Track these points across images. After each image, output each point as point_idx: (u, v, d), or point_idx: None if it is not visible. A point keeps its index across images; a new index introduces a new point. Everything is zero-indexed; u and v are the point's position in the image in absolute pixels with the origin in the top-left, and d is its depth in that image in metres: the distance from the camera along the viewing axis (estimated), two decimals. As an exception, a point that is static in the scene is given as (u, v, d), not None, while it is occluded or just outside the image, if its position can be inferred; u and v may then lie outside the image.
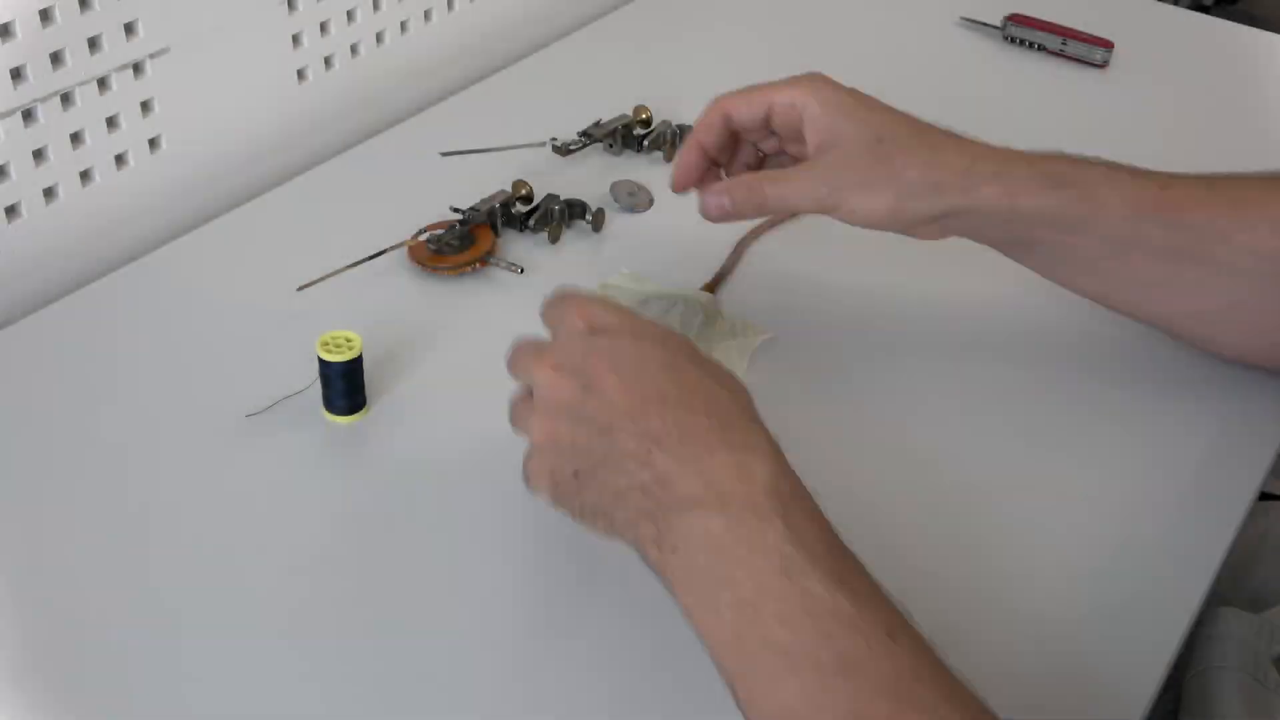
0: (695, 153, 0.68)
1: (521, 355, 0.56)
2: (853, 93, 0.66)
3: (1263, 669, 0.66)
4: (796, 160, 0.69)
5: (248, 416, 0.66)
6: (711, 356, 0.54)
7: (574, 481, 0.51)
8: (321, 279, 0.73)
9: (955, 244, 0.66)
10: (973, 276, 0.75)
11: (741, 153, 0.71)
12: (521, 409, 0.55)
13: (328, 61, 0.91)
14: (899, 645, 0.42)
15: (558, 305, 0.56)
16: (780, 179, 0.65)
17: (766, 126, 0.67)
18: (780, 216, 0.80)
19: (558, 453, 0.51)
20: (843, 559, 0.45)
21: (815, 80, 0.65)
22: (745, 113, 0.67)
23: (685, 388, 0.50)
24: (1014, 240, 0.66)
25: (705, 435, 0.48)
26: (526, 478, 0.54)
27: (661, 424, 0.48)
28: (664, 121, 0.90)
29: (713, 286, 0.76)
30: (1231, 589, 0.74)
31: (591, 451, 0.50)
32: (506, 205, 0.80)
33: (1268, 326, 0.66)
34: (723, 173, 0.72)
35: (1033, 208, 0.62)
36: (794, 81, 0.66)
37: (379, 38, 0.94)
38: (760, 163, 0.72)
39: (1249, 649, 0.67)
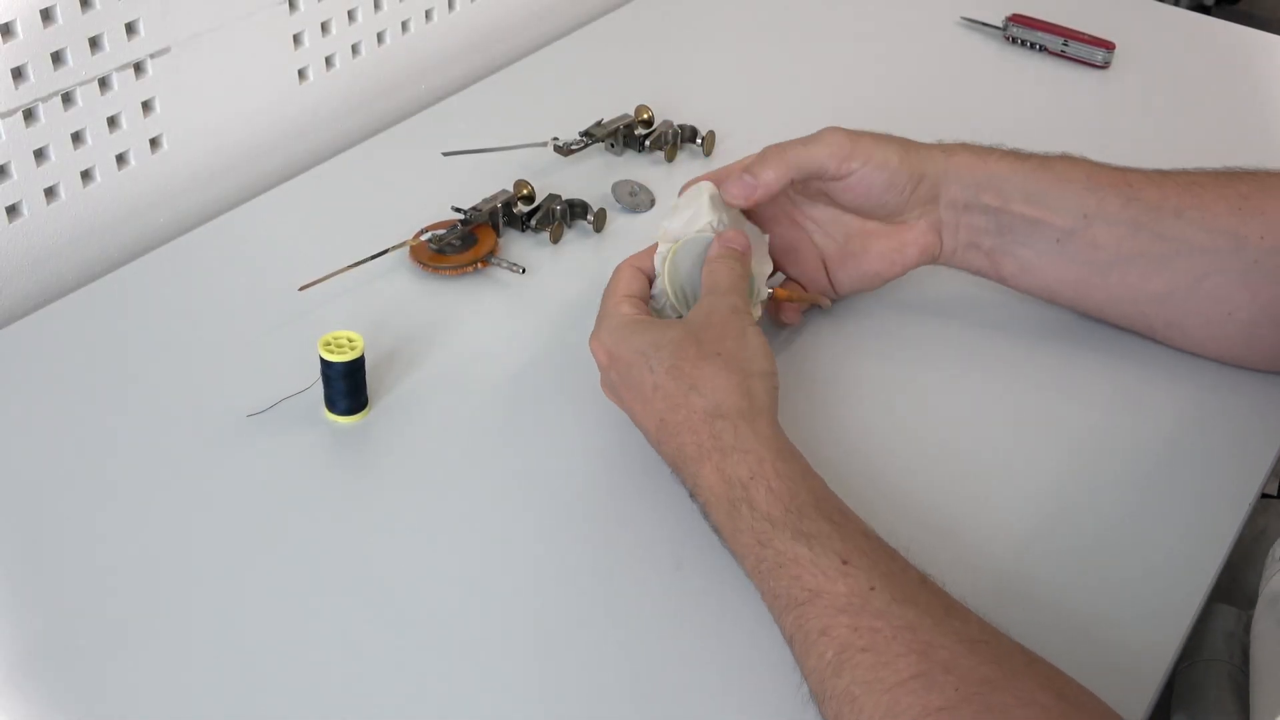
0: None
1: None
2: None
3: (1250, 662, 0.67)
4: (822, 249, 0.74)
5: (249, 417, 0.66)
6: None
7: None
8: (323, 279, 0.73)
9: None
10: (969, 303, 0.75)
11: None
12: None
13: (328, 61, 0.91)
14: (852, 567, 0.51)
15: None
16: (800, 142, 0.68)
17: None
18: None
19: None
20: (800, 515, 0.54)
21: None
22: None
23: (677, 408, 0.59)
24: (995, 223, 0.69)
25: (695, 452, 0.58)
26: None
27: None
28: (665, 121, 0.90)
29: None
30: (1231, 586, 0.74)
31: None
32: (508, 205, 0.80)
33: (1233, 301, 0.68)
34: None
35: (1004, 173, 0.69)
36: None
37: (380, 38, 0.94)
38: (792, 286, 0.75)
39: (1237, 643, 0.68)
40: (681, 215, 0.67)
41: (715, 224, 0.66)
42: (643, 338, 0.61)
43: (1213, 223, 0.66)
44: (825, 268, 0.73)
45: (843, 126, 0.69)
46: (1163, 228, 0.67)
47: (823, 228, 0.72)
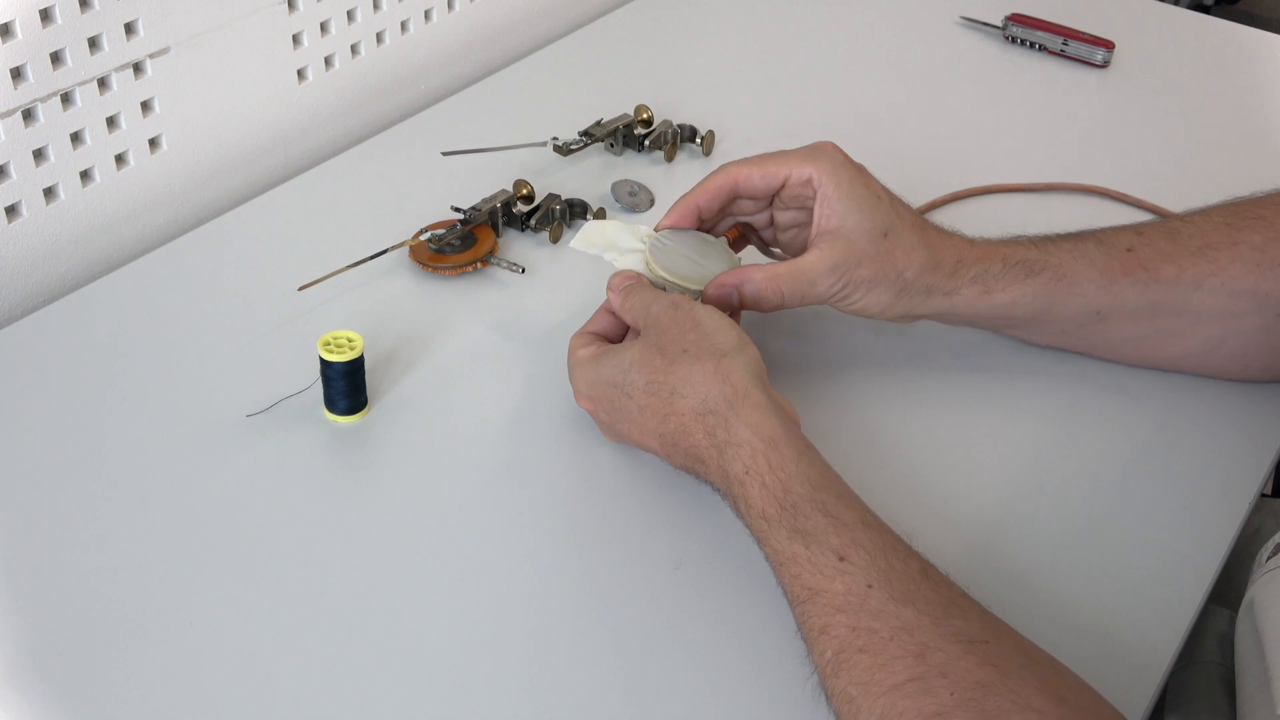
0: (690, 215, 0.68)
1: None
2: (860, 171, 0.66)
3: None
4: (777, 226, 0.70)
5: (249, 416, 0.66)
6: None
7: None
8: (322, 279, 0.73)
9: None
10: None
11: (730, 216, 0.71)
12: None
13: (328, 61, 0.91)
14: (849, 564, 0.51)
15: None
16: (795, 275, 0.64)
17: (771, 197, 0.68)
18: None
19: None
20: (795, 511, 0.53)
21: (828, 154, 0.66)
22: (758, 184, 0.67)
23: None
24: (990, 326, 0.70)
25: (698, 453, 0.58)
26: None
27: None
28: (665, 121, 0.90)
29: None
30: (1225, 588, 0.74)
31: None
32: (508, 205, 0.80)
33: (1251, 356, 0.68)
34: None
35: (1008, 300, 0.66)
36: (809, 156, 0.66)
37: (379, 38, 0.94)
38: (744, 226, 0.72)
39: (1230, 645, 0.68)
40: (624, 254, 0.68)
41: (641, 236, 0.68)
42: (606, 368, 0.61)
43: (1234, 286, 0.65)
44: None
45: (862, 239, 0.64)
46: (1183, 303, 0.66)
47: (789, 246, 0.71)
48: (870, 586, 0.50)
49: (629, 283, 0.65)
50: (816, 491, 0.54)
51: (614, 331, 0.66)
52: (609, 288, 0.66)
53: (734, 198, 0.68)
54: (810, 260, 0.64)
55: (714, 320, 0.60)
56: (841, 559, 0.51)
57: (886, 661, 0.47)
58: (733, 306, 0.65)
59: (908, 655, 0.47)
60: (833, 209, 0.64)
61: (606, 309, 0.67)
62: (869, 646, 0.48)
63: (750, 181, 0.67)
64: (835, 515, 0.53)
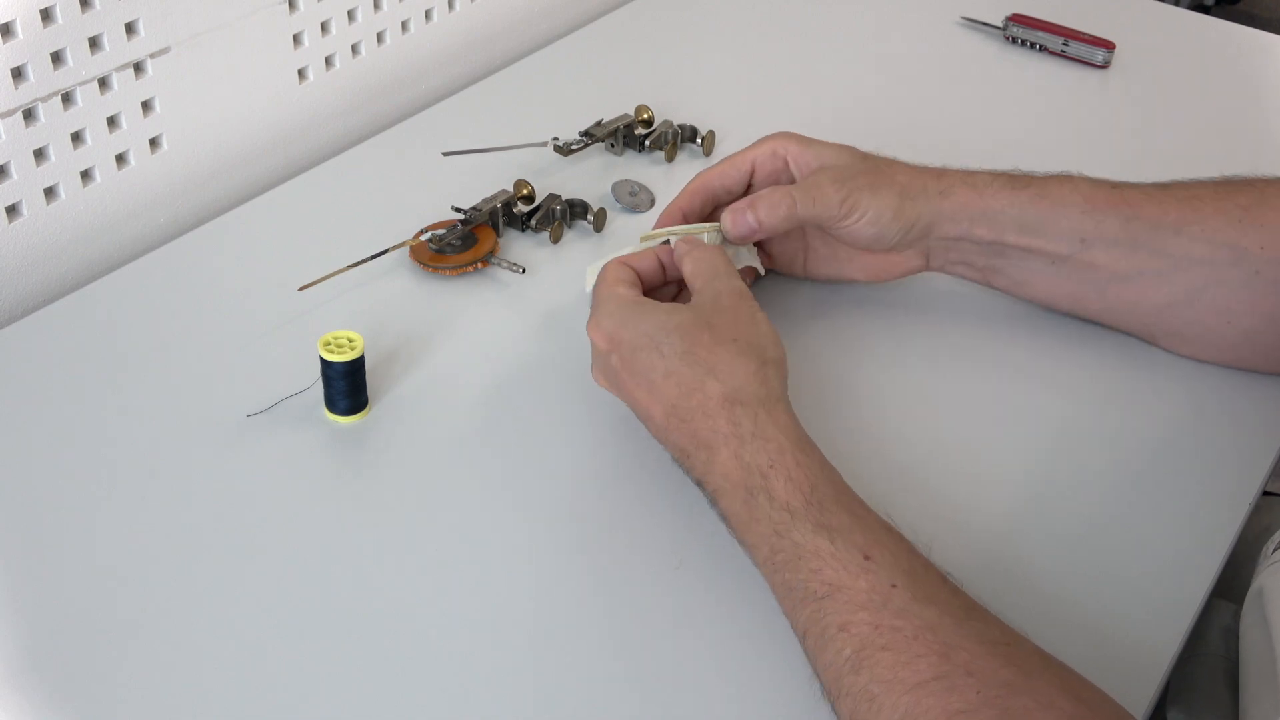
0: (676, 221, 0.71)
1: None
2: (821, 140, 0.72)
3: None
4: None
5: (249, 416, 0.66)
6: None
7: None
8: (323, 279, 0.73)
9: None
10: (967, 297, 0.76)
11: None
12: None
13: (328, 61, 0.91)
14: (874, 563, 0.51)
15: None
16: (802, 186, 0.68)
17: (747, 187, 0.72)
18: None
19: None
20: (820, 507, 0.53)
21: (783, 132, 0.72)
22: (731, 175, 0.72)
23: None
24: (987, 250, 0.70)
25: (710, 439, 0.57)
26: None
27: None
28: (665, 121, 0.90)
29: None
30: (1233, 582, 0.74)
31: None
32: (508, 205, 0.80)
33: (1234, 312, 0.68)
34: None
35: (999, 206, 0.68)
36: (766, 138, 0.72)
37: (379, 38, 0.94)
38: None
39: (1234, 638, 0.68)
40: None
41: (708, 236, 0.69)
42: (649, 320, 0.60)
43: (1213, 235, 0.66)
44: (805, 252, 0.74)
45: (849, 162, 0.69)
46: (1162, 244, 0.67)
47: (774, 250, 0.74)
48: (894, 586, 0.50)
49: (696, 243, 0.67)
50: (840, 494, 0.54)
51: (654, 276, 0.67)
52: (675, 252, 0.67)
53: (713, 204, 0.72)
54: (811, 176, 0.69)
55: (768, 327, 0.61)
56: (867, 557, 0.51)
57: (911, 659, 0.47)
58: (752, 229, 0.67)
59: (932, 654, 0.47)
60: (809, 158, 0.70)
61: (657, 254, 0.67)
62: (892, 644, 0.48)
63: (724, 177, 0.71)
64: (860, 516, 0.53)
